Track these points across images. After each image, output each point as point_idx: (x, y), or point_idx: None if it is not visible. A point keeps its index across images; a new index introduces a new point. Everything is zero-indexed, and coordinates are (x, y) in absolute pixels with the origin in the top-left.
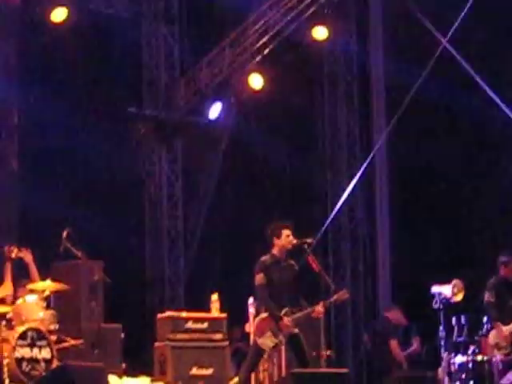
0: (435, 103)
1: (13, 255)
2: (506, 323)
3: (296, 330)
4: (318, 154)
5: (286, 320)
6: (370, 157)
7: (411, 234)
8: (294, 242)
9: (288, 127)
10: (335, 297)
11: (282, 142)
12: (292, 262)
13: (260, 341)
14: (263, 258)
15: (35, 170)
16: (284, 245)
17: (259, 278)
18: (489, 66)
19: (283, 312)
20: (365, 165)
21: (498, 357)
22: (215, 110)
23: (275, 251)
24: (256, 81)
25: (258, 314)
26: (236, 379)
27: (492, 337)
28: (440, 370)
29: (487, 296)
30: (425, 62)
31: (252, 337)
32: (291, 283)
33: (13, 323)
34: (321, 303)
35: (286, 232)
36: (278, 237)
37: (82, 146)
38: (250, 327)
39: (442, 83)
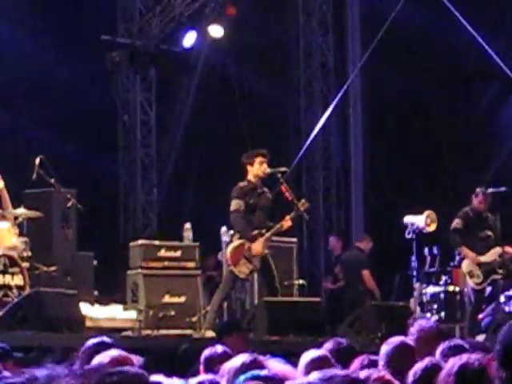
0: (411, 32)
1: None
2: (475, 253)
3: (267, 252)
4: (292, 83)
5: (257, 245)
6: (345, 86)
7: (385, 165)
8: (267, 170)
9: (263, 55)
10: (296, 208)
11: (256, 70)
12: (266, 189)
13: (236, 269)
14: (241, 184)
15: (8, 97)
16: (257, 173)
17: (235, 204)
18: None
19: (254, 233)
20: (339, 94)
21: (469, 287)
22: (189, 39)
23: (250, 177)
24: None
25: (231, 241)
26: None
27: (464, 265)
28: (412, 300)
29: (455, 222)
30: None
31: (225, 266)
32: (266, 209)
33: None
34: (286, 218)
35: (259, 160)
36: (252, 164)
37: (55, 74)
38: (222, 256)
39: (419, 11)
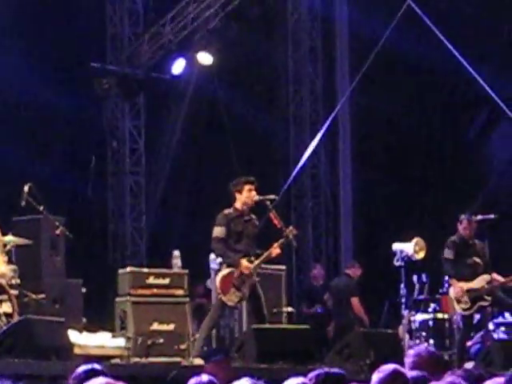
0: (399, 59)
1: None
2: (463, 280)
3: (256, 279)
4: (280, 110)
5: (244, 262)
6: (333, 114)
7: (374, 192)
8: (256, 198)
9: (252, 83)
10: (285, 235)
11: (245, 97)
12: (253, 216)
13: (225, 298)
14: (226, 211)
15: None
16: (245, 200)
17: (219, 231)
18: (452, 24)
19: (237, 257)
20: (328, 122)
21: (458, 314)
22: (179, 66)
23: (237, 205)
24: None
25: (219, 270)
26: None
27: (451, 292)
28: (401, 327)
29: (446, 253)
30: (390, 17)
31: (214, 294)
32: (253, 237)
33: None
34: (274, 245)
35: (247, 187)
36: (240, 192)
37: (44, 100)
38: (211, 283)
39: (408, 39)
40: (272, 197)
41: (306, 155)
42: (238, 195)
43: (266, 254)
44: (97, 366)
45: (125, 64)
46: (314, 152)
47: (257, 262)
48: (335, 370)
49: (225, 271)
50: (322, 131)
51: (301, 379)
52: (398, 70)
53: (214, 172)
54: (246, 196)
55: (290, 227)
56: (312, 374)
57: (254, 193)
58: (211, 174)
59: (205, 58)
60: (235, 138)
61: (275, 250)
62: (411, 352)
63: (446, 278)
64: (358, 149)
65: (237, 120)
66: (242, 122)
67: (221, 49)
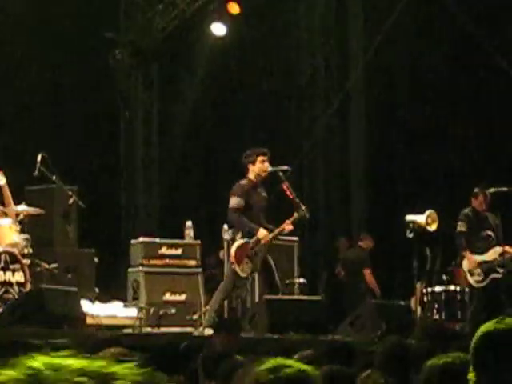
0: (413, 30)
1: None
2: (476, 253)
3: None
4: (295, 82)
5: (262, 229)
6: (347, 85)
7: (387, 163)
8: (269, 169)
9: (265, 54)
10: (296, 214)
11: (257, 68)
12: (263, 189)
13: (239, 268)
14: (242, 181)
15: (8, 92)
16: (259, 171)
17: (236, 201)
18: None
19: (252, 226)
20: (341, 93)
21: (470, 285)
22: (192, 36)
23: (251, 176)
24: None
25: (233, 240)
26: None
27: (464, 264)
28: (413, 299)
29: (459, 226)
30: None
31: (227, 264)
32: (264, 209)
33: None
34: (286, 221)
35: (261, 158)
36: (254, 163)
37: (58, 71)
38: (223, 254)
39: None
40: (285, 168)
41: (318, 125)
42: (251, 167)
43: (278, 230)
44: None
45: (138, 34)
46: (327, 122)
47: (271, 236)
48: (347, 340)
49: (240, 241)
50: (334, 102)
51: (309, 351)
52: (413, 40)
53: (227, 143)
54: (259, 167)
55: (303, 207)
56: (325, 345)
57: (267, 164)
58: (224, 144)
59: (218, 29)
60: (248, 109)
61: (288, 226)
62: (420, 323)
63: (461, 253)
64: (371, 118)
65: (249, 90)
66: (255, 92)
67: (234, 19)
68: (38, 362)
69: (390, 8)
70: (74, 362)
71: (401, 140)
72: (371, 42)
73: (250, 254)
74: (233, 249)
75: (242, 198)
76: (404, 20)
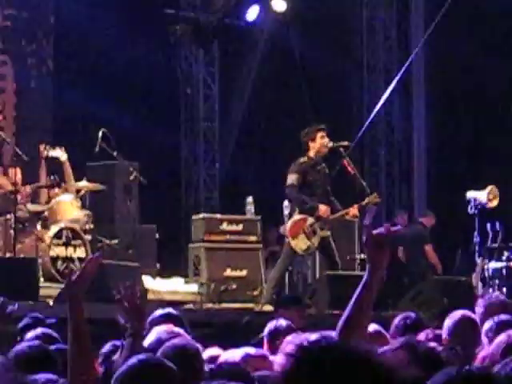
0: (475, 4)
1: (48, 154)
2: None
3: (328, 234)
4: (355, 58)
5: (323, 206)
6: (408, 61)
7: (448, 140)
8: (330, 144)
9: (326, 30)
10: (367, 200)
11: (319, 44)
12: (324, 165)
13: (293, 242)
14: (301, 159)
15: (71, 71)
16: (319, 148)
17: (293, 178)
18: None
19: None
20: (402, 69)
21: None
22: (253, 13)
23: (311, 154)
24: None
25: (291, 215)
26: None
27: None
28: (474, 275)
29: None
30: None
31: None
32: (325, 187)
33: (48, 222)
34: (354, 206)
35: (320, 134)
36: (313, 140)
37: (118, 47)
38: (284, 230)
39: None
40: (345, 143)
41: (379, 103)
42: (311, 143)
43: (341, 213)
44: (173, 311)
45: (199, 11)
46: (388, 99)
47: (332, 217)
48: (413, 314)
49: (297, 216)
50: (396, 78)
51: (375, 326)
52: (475, 14)
53: (288, 119)
54: (319, 143)
55: (375, 194)
56: (397, 320)
57: (326, 139)
58: (285, 120)
59: (279, 5)
60: (309, 85)
61: (353, 211)
62: (482, 300)
63: None
64: (432, 96)
65: (310, 67)
66: (316, 69)
67: None
68: None
69: None
70: None
71: (463, 117)
72: (432, 18)
73: (308, 231)
74: (288, 223)
75: (300, 174)
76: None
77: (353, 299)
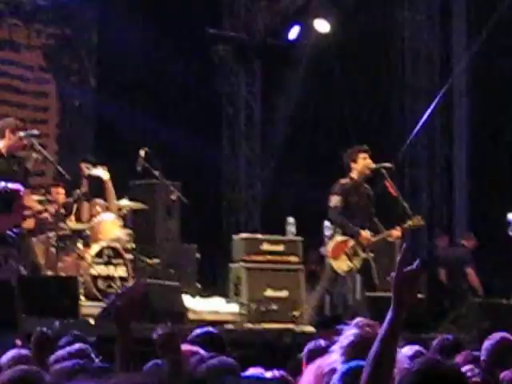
0: None
1: (89, 173)
2: None
3: (371, 255)
4: (397, 78)
5: (364, 233)
6: (449, 81)
7: (490, 161)
8: (372, 166)
9: (367, 50)
10: (410, 222)
11: (360, 65)
12: (367, 186)
13: (335, 263)
14: (342, 180)
15: (114, 89)
16: (361, 169)
17: (335, 200)
18: None
19: (356, 229)
20: (444, 89)
21: None
22: (295, 33)
23: (353, 175)
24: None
25: (332, 237)
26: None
27: None
28: None
29: None
30: None
31: (327, 261)
32: (368, 208)
33: (89, 241)
34: (397, 228)
35: (362, 156)
36: (355, 161)
37: (161, 68)
38: (325, 251)
39: None
40: (388, 165)
41: (420, 123)
42: (353, 165)
43: (384, 234)
44: (212, 329)
45: (241, 30)
46: (429, 120)
47: (374, 240)
48: (451, 336)
49: (339, 238)
50: (437, 99)
51: (416, 347)
52: None
53: (329, 139)
54: (361, 164)
55: (419, 217)
56: (436, 341)
57: (369, 161)
58: (326, 141)
59: (322, 26)
60: (350, 106)
61: (396, 233)
62: None
63: None
64: (474, 117)
65: (352, 88)
66: (357, 89)
67: (338, 16)
68: None
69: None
70: None
71: (506, 138)
72: (475, 37)
73: (349, 253)
74: (331, 244)
75: (343, 196)
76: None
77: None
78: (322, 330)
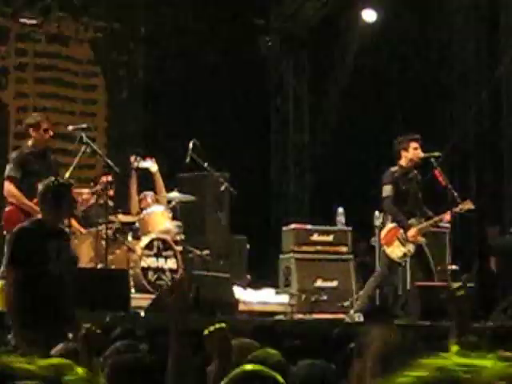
0: None
1: (138, 165)
2: None
3: (423, 240)
4: (449, 65)
5: (413, 231)
6: (499, 71)
7: None
8: (422, 155)
9: (416, 39)
10: (460, 206)
11: (409, 55)
12: (417, 173)
13: (388, 250)
14: (392, 169)
15: (162, 81)
16: (412, 158)
17: (387, 189)
18: None
19: (410, 222)
20: (492, 81)
21: None
22: (343, 23)
23: (403, 163)
24: None
25: (384, 225)
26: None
27: None
28: None
29: None
30: None
31: (378, 251)
32: (417, 195)
33: (139, 233)
34: (448, 212)
35: (413, 145)
36: (406, 149)
37: (208, 58)
38: (375, 241)
39: None
40: (437, 154)
41: (470, 113)
42: (403, 153)
43: (436, 219)
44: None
45: (288, 21)
46: (479, 110)
47: (424, 225)
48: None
49: (391, 225)
50: (485, 91)
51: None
52: None
53: (378, 128)
54: (412, 153)
55: (468, 200)
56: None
57: (419, 150)
58: (375, 130)
59: (369, 15)
60: (400, 96)
61: (447, 217)
62: None
63: None
64: None
65: (400, 76)
66: (406, 78)
67: (386, 6)
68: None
69: None
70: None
71: None
72: None
73: (402, 238)
74: (383, 231)
75: (393, 185)
76: None
77: None
78: (370, 320)
